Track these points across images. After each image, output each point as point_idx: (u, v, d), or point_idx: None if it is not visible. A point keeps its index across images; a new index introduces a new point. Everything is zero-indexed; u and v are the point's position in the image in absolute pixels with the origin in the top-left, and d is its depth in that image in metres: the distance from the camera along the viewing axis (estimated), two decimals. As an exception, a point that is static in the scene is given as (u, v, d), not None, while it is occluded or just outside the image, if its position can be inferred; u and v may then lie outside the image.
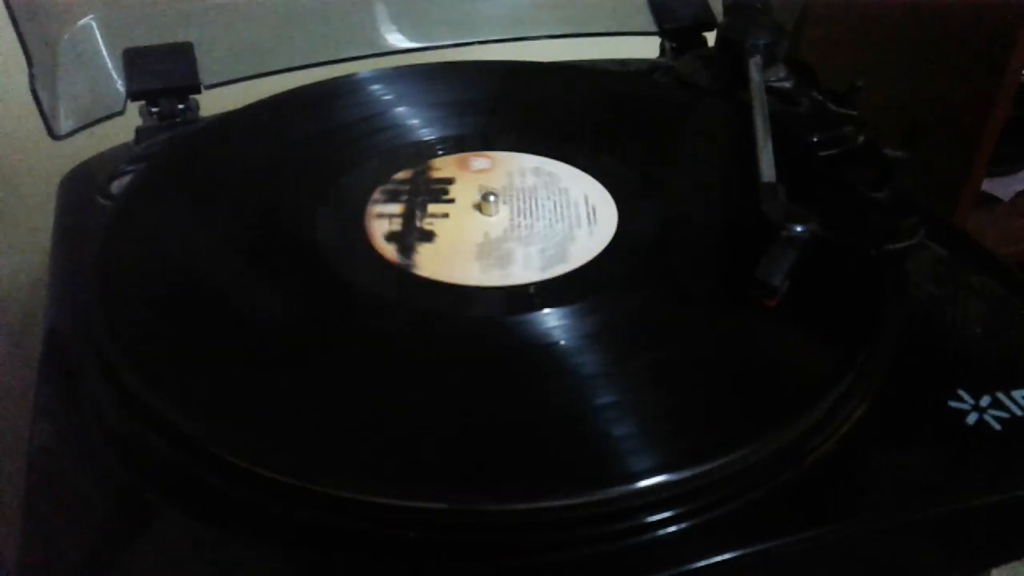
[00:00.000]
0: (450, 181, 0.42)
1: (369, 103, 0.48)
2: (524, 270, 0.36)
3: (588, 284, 0.36)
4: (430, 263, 0.37)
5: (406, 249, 0.37)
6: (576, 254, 0.37)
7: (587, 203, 0.40)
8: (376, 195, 0.41)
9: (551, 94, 0.50)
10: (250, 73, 0.52)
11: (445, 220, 0.39)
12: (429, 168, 0.43)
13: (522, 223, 0.39)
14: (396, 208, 0.40)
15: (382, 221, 0.39)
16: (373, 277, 0.36)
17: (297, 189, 0.41)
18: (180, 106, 0.49)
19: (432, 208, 0.40)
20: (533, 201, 0.40)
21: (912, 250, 0.41)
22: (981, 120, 0.70)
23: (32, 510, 0.30)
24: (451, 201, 0.41)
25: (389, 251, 0.37)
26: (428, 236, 0.38)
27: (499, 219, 0.39)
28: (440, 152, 0.44)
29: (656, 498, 0.27)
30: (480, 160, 0.43)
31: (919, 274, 0.40)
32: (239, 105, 0.48)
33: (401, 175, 0.42)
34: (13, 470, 0.34)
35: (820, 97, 0.49)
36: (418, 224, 0.39)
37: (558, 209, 0.40)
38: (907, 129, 0.45)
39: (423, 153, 0.44)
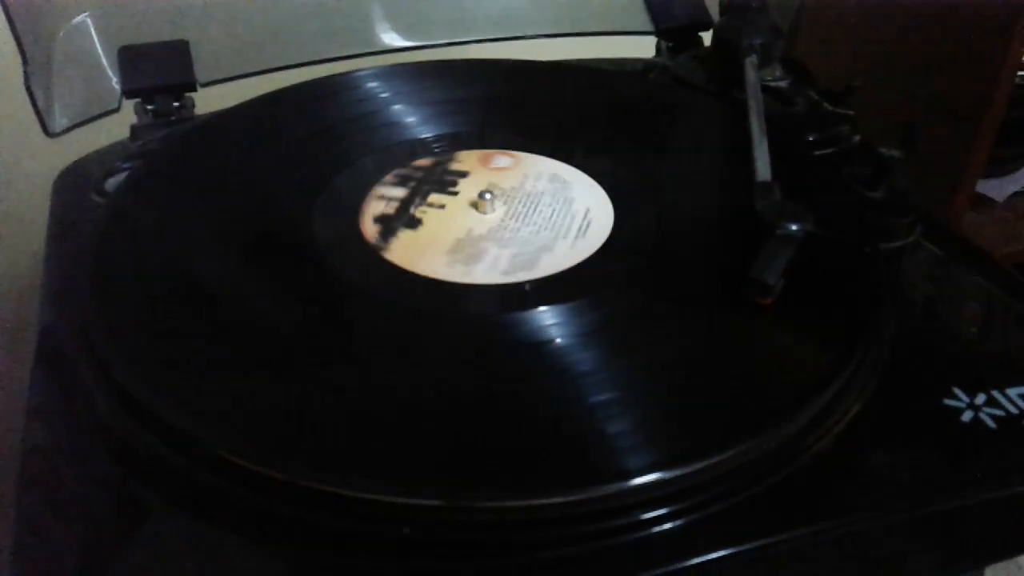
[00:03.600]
0: (463, 175, 0.42)
1: (365, 101, 0.48)
2: (487, 271, 0.36)
3: (584, 282, 0.36)
4: (403, 250, 0.37)
5: (387, 232, 0.38)
6: (546, 264, 0.37)
7: (585, 216, 0.40)
8: (388, 177, 0.41)
9: (547, 94, 0.50)
10: (246, 71, 0.52)
11: (439, 211, 0.40)
12: (450, 159, 0.43)
13: (511, 225, 0.39)
14: (400, 192, 0.41)
15: (380, 203, 0.40)
16: (348, 256, 0.37)
17: (292, 187, 0.41)
18: (175, 104, 0.49)
19: (433, 198, 0.40)
20: (533, 206, 0.40)
21: (907, 249, 0.41)
22: (976, 121, 0.70)
23: (26, 509, 0.30)
24: (454, 194, 0.41)
25: (371, 232, 0.38)
26: (414, 223, 0.39)
27: (491, 218, 0.39)
28: (437, 150, 0.44)
29: (651, 495, 0.27)
30: (503, 158, 0.44)
31: (914, 273, 0.40)
32: (234, 103, 0.48)
33: (421, 162, 0.43)
34: (7, 469, 0.34)
35: (816, 96, 0.49)
36: (411, 211, 0.39)
37: (553, 218, 0.40)
38: (902, 129, 0.45)
39: (418, 151, 0.44)
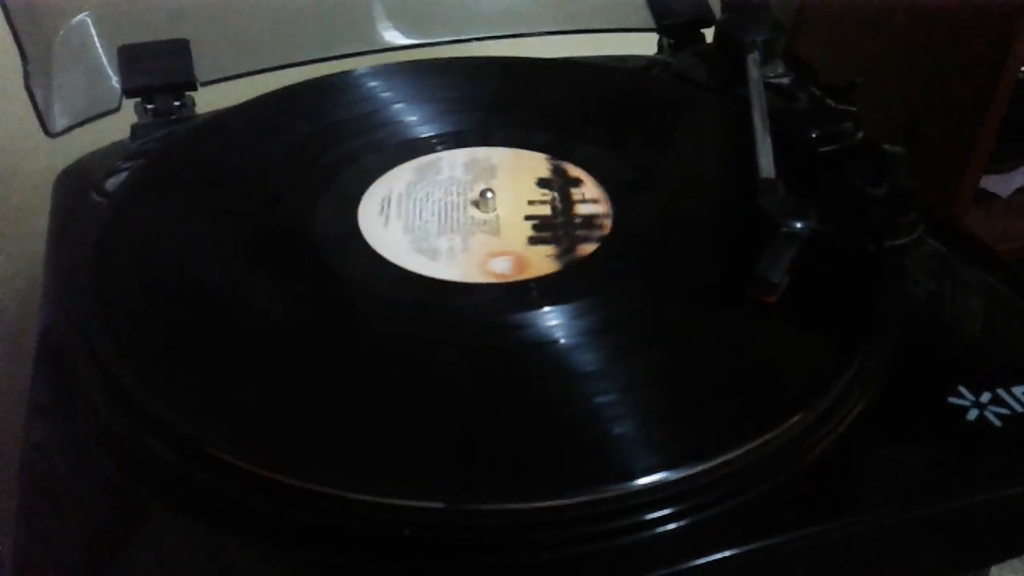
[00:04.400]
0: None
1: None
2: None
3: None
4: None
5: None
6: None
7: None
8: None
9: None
10: (246, 70, 0.52)
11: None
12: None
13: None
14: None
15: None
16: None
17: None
18: (176, 103, 0.49)
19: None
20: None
21: (911, 246, 0.41)
22: (979, 117, 0.69)
23: (27, 510, 0.29)
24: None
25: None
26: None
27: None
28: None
29: (655, 496, 0.27)
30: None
31: (918, 270, 0.40)
32: (235, 102, 0.47)
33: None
34: (8, 470, 0.34)
35: (818, 93, 0.48)
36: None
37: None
38: (906, 125, 0.44)
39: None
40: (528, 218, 0.39)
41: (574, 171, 0.42)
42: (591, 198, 0.40)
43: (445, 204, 0.40)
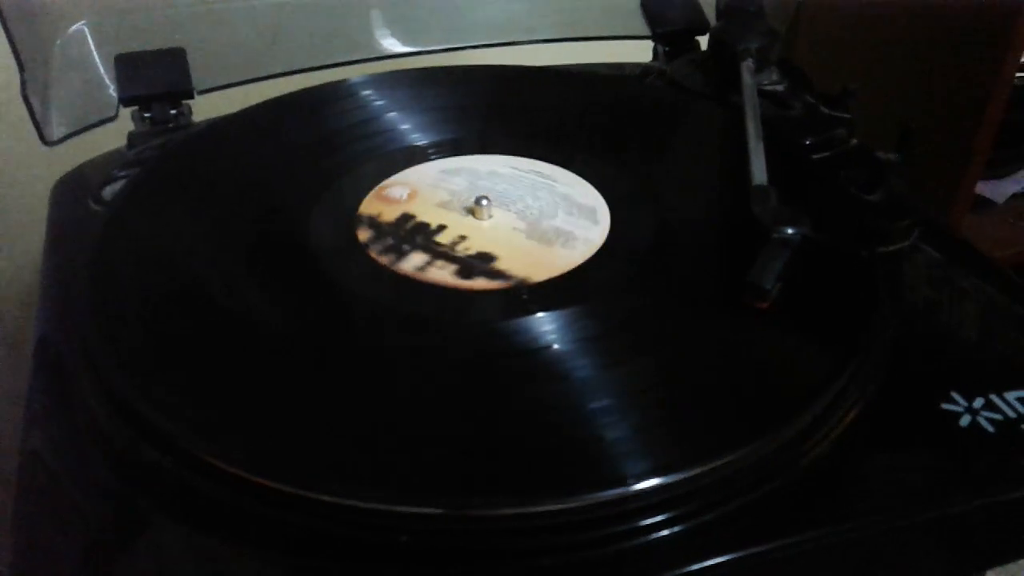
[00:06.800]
0: (424, 227, 0.39)
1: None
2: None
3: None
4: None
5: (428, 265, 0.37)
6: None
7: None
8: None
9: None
10: (243, 78, 0.52)
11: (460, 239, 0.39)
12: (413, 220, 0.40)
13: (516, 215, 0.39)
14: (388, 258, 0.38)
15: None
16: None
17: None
18: (173, 111, 0.49)
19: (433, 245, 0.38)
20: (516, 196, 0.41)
21: (905, 252, 0.41)
22: (975, 123, 0.70)
23: (24, 517, 0.30)
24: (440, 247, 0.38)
25: (365, 237, 0.38)
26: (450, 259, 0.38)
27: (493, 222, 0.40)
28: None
29: (650, 501, 0.27)
30: (398, 188, 0.42)
31: (912, 276, 0.40)
32: (232, 110, 0.48)
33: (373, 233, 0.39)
34: (6, 476, 0.34)
35: (813, 100, 0.49)
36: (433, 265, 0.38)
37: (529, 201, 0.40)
38: (900, 132, 0.45)
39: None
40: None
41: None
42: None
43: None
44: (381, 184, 0.42)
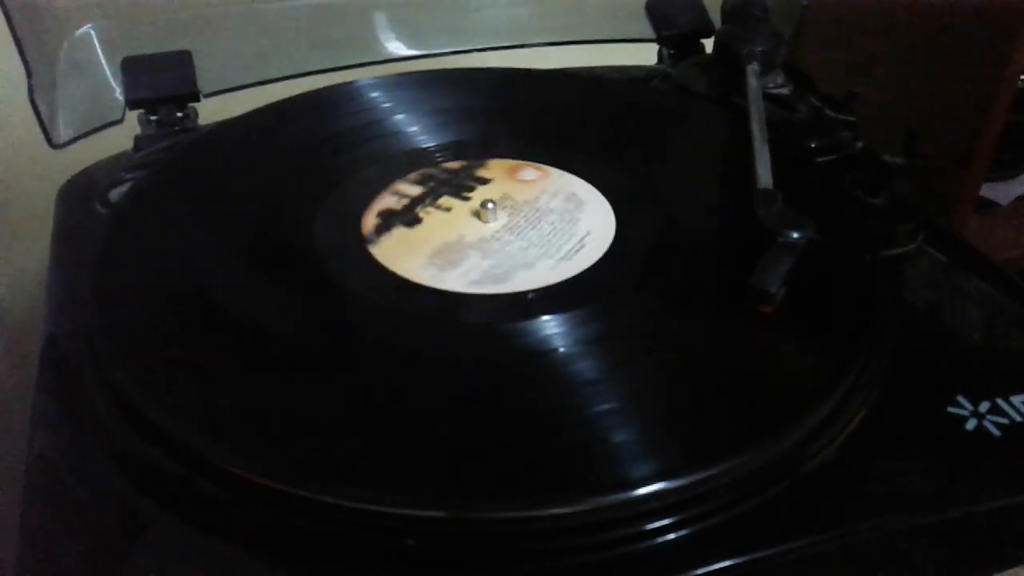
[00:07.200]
0: (484, 181, 0.43)
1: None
2: (457, 279, 0.36)
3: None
4: (390, 247, 0.38)
5: (383, 227, 0.39)
6: (519, 281, 0.36)
7: (581, 240, 0.39)
8: (412, 174, 0.42)
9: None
10: (249, 81, 0.52)
11: (443, 213, 0.40)
12: (480, 165, 0.44)
13: (503, 238, 0.39)
14: (415, 190, 0.41)
15: (392, 198, 0.41)
16: (344, 255, 0.37)
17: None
18: (179, 114, 0.49)
19: (444, 200, 0.41)
20: (535, 222, 0.40)
21: (910, 256, 0.41)
22: (980, 125, 0.69)
23: (30, 518, 0.30)
24: (467, 199, 0.41)
25: (369, 224, 0.39)
26: (413, 222, 0.39)
27: (489, 228, 0.39)
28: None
29: (654, 505, 0.27)
30: (531, 171, 0.44)
31: (917, 280, 0.40)
32: (238, 113, 0.48)
33: (451, 164, 0.43)
34: (12, 478, 0.34)
35: (817, 103, 0.49)
36: (416, 210, 0.40)
37: (549, 236, 0.39)
38: (905, 135, 0.45)
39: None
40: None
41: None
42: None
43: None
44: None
